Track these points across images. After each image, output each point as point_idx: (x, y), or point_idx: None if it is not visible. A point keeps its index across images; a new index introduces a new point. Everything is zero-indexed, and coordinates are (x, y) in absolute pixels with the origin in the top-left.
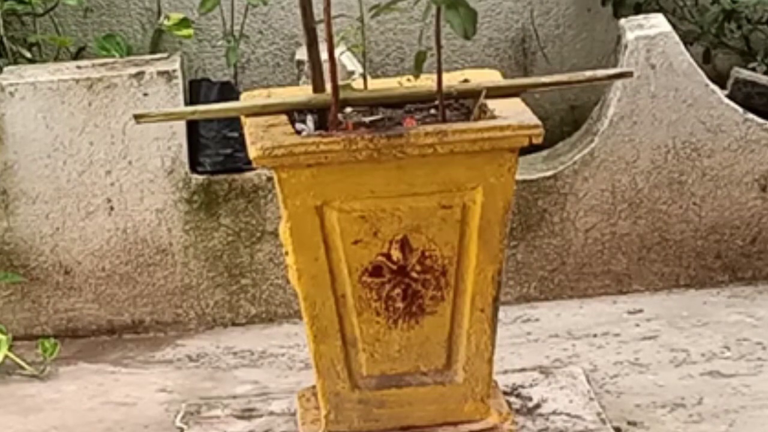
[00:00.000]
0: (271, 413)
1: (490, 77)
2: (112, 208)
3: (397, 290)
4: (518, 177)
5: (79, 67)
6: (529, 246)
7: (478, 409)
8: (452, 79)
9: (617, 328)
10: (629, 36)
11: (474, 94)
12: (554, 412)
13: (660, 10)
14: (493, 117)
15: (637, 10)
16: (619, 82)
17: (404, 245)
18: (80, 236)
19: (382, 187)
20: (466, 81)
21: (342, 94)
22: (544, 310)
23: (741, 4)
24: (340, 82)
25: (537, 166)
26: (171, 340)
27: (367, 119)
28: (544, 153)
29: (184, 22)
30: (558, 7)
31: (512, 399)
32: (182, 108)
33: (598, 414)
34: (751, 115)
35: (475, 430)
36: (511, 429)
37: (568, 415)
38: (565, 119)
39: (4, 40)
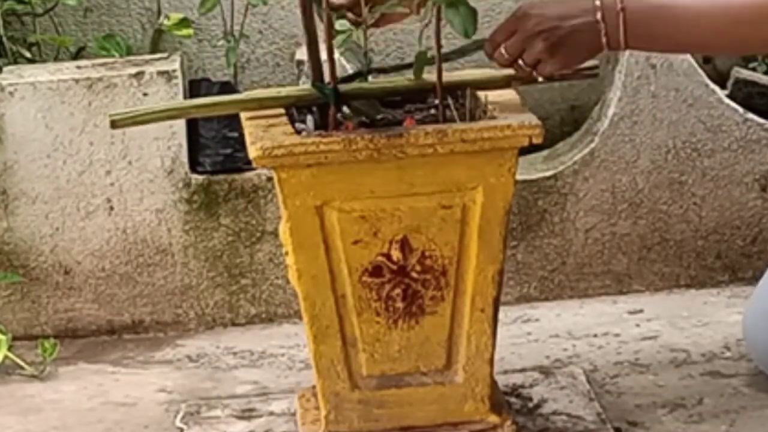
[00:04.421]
0: (271, 413)
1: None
2: (112, 208)
3: (397, 290)
4: (518, 177)
5: (78, 67)
6: (529, 246)
7: (478, 409)
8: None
9: (617, 328)
10: None
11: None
12: (554, 413)
13: None
14: (493, 117)
15: None
16: (618, 82)
17: (404, 245)
18: (80, 236)
19: (382, 187)
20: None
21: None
22: (544, 310)
23: None
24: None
25: (537, 166)
26: (171, 340)
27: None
28: (544, 153)
29: (184, 22)
30: None
31: (512, 399)
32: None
33: (599, 414)
34: (751, 115)
35: (475, 430)
36: (511, 429)
37: (568, 415)
38: (565, 119)
39: (4, 40)
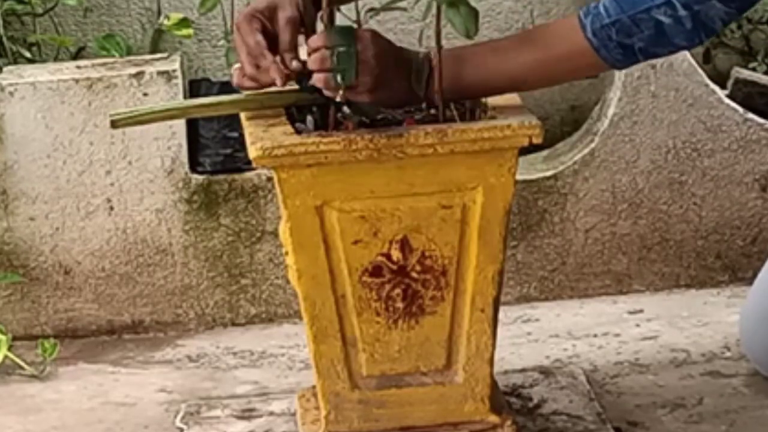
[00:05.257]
0: (271, 413)
1: None
2: (112, 208)
3: (397, 290)
4: (518, 177)
5: (78, 67)
6: (529, 246)
7: (478, 409)
8: None
9: (617, 328)
10: None
11: None
12: (554, 413)
13: None
14: (493, 117)
15: None
16: (618, 82)
17: (404, 245)
18: (80, 236)
19: (382, 187)
20: None
21: None
22: (544, 310)
23: None
24: None
25: (537, 166)
26: (171, 340)
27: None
28: (544, 153)
29: (184, 22)
30: (558, 7)
31: (512, 399)
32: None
33: (599, 414)
34: (751, 115)
35: (475, 430)
36: (512, 429)
37: (568, 415)
38: (565, 119)
39: (4, 40)
